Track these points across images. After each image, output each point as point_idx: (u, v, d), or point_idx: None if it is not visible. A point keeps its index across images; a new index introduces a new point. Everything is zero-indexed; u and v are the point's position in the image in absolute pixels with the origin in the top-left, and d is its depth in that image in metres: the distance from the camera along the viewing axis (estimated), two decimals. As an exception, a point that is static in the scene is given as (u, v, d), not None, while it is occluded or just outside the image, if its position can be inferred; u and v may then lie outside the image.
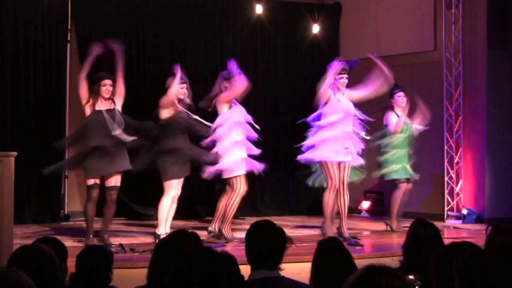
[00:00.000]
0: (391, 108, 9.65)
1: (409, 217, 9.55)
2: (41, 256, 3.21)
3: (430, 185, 10.92)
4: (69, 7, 10.68)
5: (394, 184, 9.68)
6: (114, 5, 10.90)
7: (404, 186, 9.59)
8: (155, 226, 8.46)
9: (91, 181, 7.96)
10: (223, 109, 8.47)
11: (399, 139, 9.58)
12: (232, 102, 8.49)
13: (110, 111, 8.03)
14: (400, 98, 9.61)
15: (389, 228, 9.59)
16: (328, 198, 8.41)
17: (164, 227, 8.19)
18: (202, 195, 11.14)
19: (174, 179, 8.18)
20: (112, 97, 8.12)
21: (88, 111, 8.03)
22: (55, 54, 10.62)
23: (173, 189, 8.18)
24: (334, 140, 8.37)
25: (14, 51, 10.31)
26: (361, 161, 8.76)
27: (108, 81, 8.08)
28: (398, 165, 9.56)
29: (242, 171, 8.43)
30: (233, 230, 8.56)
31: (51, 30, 10.58)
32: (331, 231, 8.39)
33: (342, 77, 8.49)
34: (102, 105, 8.04)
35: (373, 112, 9.43)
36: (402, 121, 9.57)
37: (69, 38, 10.77)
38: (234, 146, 8.39)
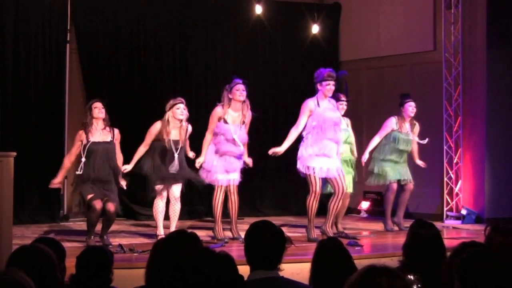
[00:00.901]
0: (397, 116, 9.62)
1: (409, 217, 9.58)
2: (40, 256, 3.21)
3: (430, 186, 10.91)
4: (68, 7, 10.68)
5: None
6: (113, 6, 10.89)
7: (394, 187, 9.58)
8: (154, 227, 8.47)
9: (90, 195, 7.89)
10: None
11: (395, 151, 9.61)
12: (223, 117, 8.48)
13: (106, 143, 8.06)
14: (411, 108, 9.57)
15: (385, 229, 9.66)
16: (310, 203, 8.38)
17: (160, 228, 8.27)
18: (203, 196, 11.14)
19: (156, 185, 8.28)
20: (110, 125, 8.15)
21: (80, 144, 8.02)
22: (55, 54, 10.61)
23: (158, 192, 8.25)
24: (320, 149, 8.36)
25: (14, 51, 10.30)
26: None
27: (98, 104, 8.10)
28: (388, 168, 9.58)
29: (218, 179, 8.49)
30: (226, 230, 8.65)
31: (51, 30, 10.57)
32: (314, 233, 8.42)
33: (329, 84, 8.38)
34: (98, 136, 8.06)
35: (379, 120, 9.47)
36: (398, 133, 9.58)
37: (68, 38, 10.76)
38: (214, 156, 8.43)
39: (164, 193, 8.26)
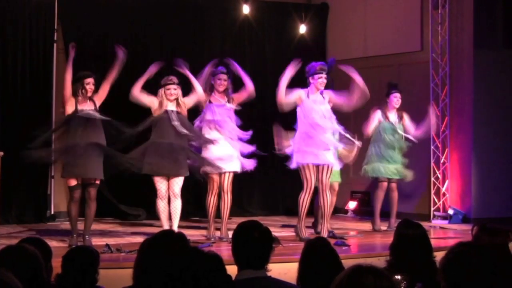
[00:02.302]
0: (381, 108, 9.65)
1: (396, 217, 9.60)
2: (27, 256, 3.19)
3: (416, 185, 10.92)
4: (55, 7, 10.64)
5: (376, 183, 9.78)
6: (100, 5, 10.86)
7: (384, 186, 9.62)
8: (143, 226, 8.43)
9: (72, 182, 7.90)
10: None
11: (384, 139, 9.60)
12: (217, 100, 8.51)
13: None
14: (396, 99, 9.62)
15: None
16: (303, 200, 8.35)
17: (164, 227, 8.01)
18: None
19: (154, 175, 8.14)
20: (93, 98, 8.14)
21: (69, 110, 7.99)
22: (42, 54, 10.57)
23: (156, 186, 8.12)
24: (313, 141, 8.32)
25: (1, 51, 10.26)
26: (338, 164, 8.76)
27: (90, 80, 8.15)
28: (380, 164, 9.57)
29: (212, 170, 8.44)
30: (218, 229, 8.62)
31: (38, 30, 10.54)
32: (305, 232, 8.38)
33: (321, 77, 8.40)
34: (83, 105, 8.04)
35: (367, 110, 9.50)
36: (385, 123, 9.59)
37: (55, 38, 10.73)
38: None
39: (164, 192, 8.13)
